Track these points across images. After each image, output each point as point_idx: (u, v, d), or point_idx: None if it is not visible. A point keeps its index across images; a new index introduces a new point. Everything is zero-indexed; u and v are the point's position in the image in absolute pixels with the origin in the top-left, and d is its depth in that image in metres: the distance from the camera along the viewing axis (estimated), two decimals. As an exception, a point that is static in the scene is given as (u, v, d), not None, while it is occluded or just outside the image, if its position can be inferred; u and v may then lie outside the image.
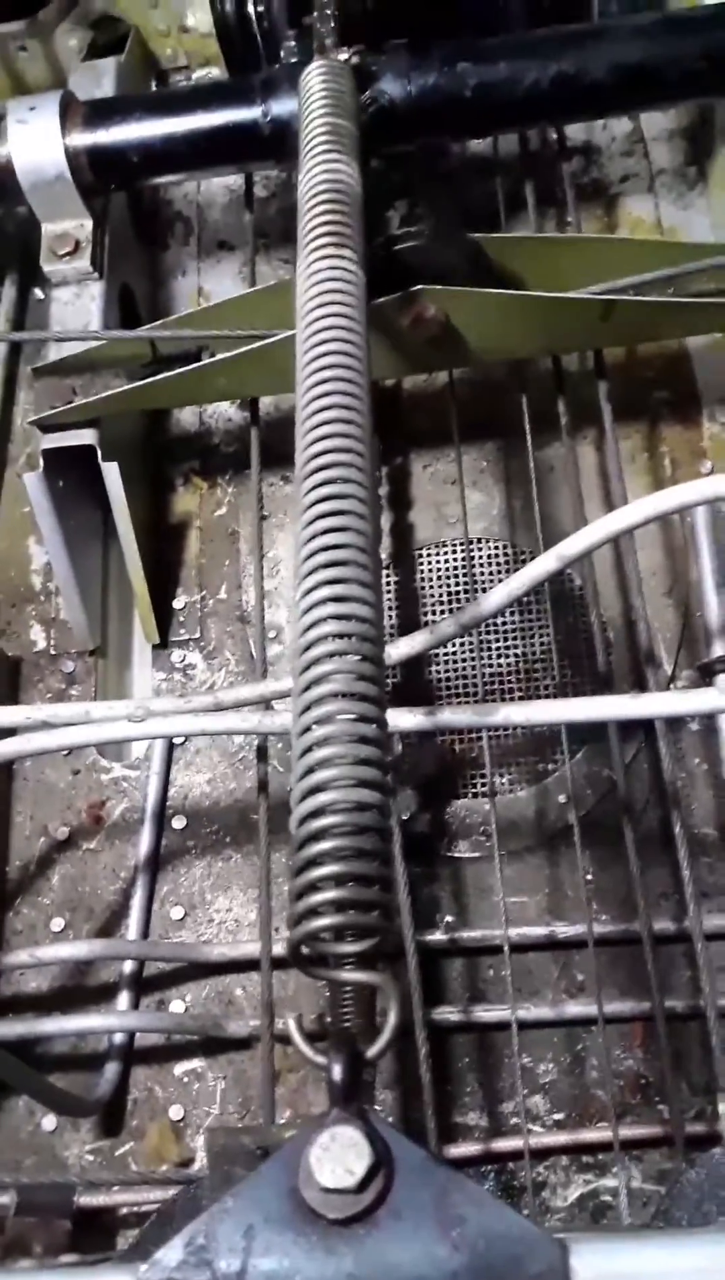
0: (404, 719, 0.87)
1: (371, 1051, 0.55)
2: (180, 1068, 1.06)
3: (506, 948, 0.96)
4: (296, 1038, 0.57)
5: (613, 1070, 0.98)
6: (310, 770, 0.60)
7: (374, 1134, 0.51)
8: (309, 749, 0.61)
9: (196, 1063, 1.06)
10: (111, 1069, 1.04)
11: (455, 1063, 1.02)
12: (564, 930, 1.03)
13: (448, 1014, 1.02)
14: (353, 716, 0.61)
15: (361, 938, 0.57)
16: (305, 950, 0.57)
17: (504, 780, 1.10)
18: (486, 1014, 1.02)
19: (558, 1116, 0.99)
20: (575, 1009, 1.01)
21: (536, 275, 1.11)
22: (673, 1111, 0.92)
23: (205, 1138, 0.94)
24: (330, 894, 0.56)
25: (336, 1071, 0.54)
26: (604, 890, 1.03)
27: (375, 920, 0.57)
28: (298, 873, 0.58)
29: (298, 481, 0.71)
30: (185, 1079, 1.05)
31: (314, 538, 0.69)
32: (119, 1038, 1.05)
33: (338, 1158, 0.51)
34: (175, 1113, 1.04)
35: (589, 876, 1.04)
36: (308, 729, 0.62)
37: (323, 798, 0.58)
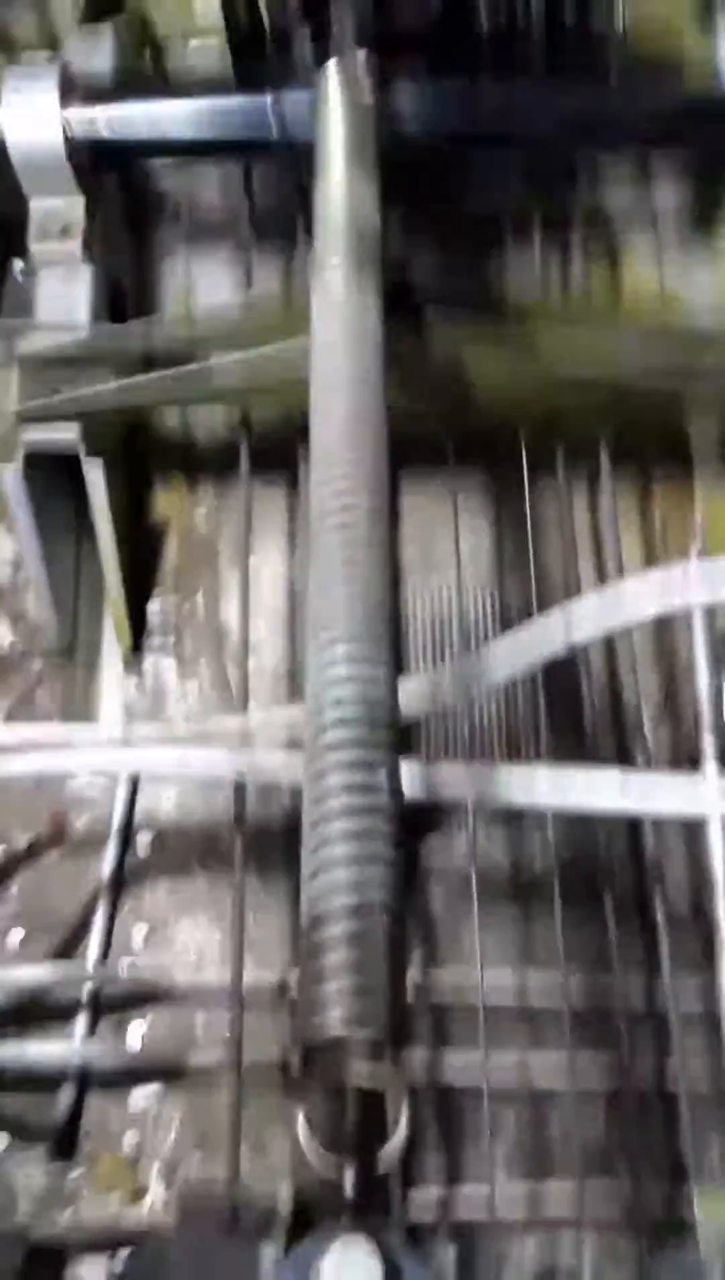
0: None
1: (382, 1163, 0.54)
2: (137, 1095, 1.04)
3: (481, 1012, 0.94)
4: (305, 1140, 0.56)
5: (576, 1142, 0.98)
6: (323, 845, 0.58)
7: (385, 1249, 0.50)
8: (322, 820, 0.59)
9: (153, 1091, 1.04)
10: (66, 1093, 1.02)
11: (417, 1126, 1.01)
12: (536, 995, 1.02)
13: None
14: (367, 786, 0.60)
15: (371, 1029, 0.56)
16: (317, 1043, 0.56)
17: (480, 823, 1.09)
18: (452, 1075, 1.00)
19: (517, 1188, 0.99)
20: (542, 1079, 0.99)
21: (546, 340, 1.08)
22: (637, 1190, 0.92)
23: (175, 1194, 0.93)
24: (340, 983, 0.55)
25: (349, 1182, 0.53)
26: (574, 950, 1.02)
27: (383, 1032, 0.55)
28: (309, 958, 0.56)
29: (315, 532, 0.69)
30: (141, 1106, 1.04)
31: (332, 594, 0.67)
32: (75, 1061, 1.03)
33: (349, 1273, 0.50)
34: (129, 1141, 1.02)
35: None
36: (321, 799, 0.60)
37: (336, 902, 0.56)
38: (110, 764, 0.88)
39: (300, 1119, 0.58)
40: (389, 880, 0.56)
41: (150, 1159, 1.02)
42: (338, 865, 0.57)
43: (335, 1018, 0.54)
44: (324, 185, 0.89)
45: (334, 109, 0.97)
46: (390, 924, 0.55)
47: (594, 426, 1.13)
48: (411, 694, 0.90)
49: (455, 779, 0.84)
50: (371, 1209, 0.51)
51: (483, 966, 0.97)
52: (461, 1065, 1.02)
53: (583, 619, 0.81)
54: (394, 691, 0.62)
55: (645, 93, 1.09)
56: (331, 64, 1.02)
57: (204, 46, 1.49)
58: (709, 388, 1.04)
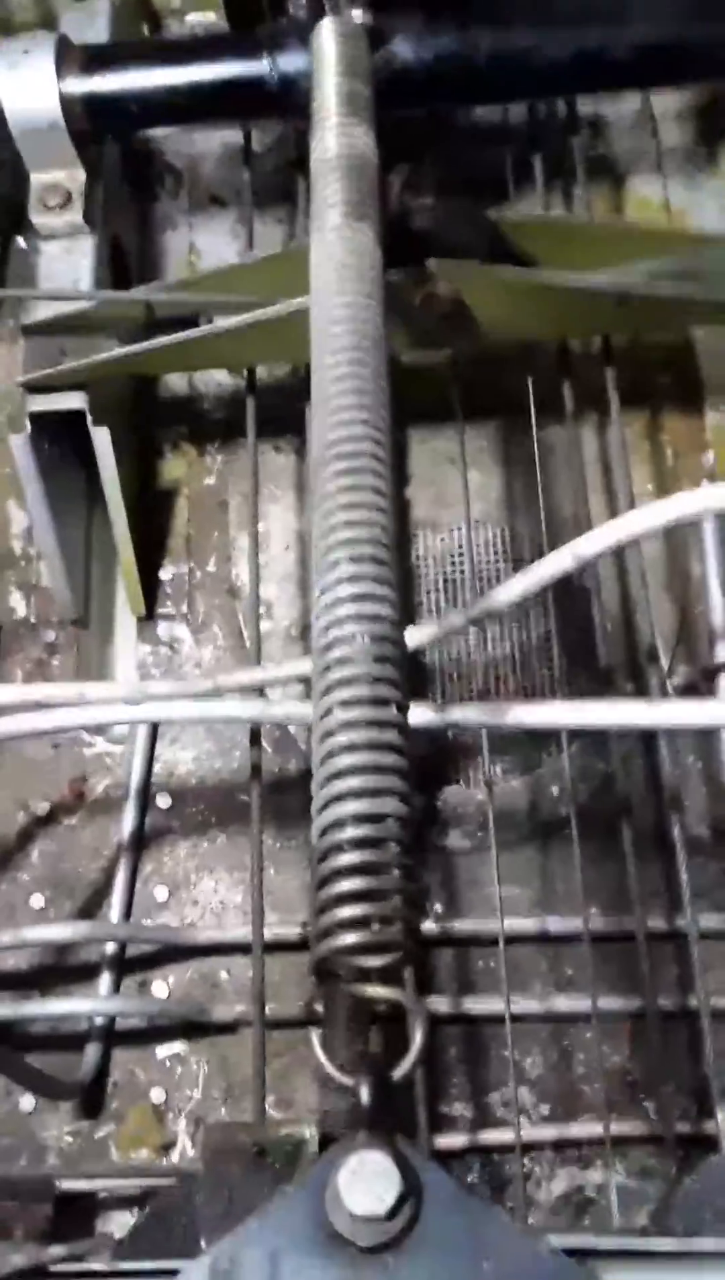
0: (413, 715, 0.85)
1: (397, 1073, 0.54)
2: (162, 1051, 1.05)
3: (501, 941, 0.95)
4: (321, 1056, 0.56)
5: (599, 1066, 0.99)
6: (332, 777, 0.58)
7: (403, 1160, 0.50)
8: (330, 755, 0.59)
9: (179, 1046, 1.05)
10: (92, 1050, 1.02)
11: (442, 1054, 1.02)
12: (556, 924, 1.03)
13: (436, 1004, 1.02)
14: (375, 721, 0.60)
15: (384, 953, 0.56)
16: (330, 966, 0.56)
17: (497, 769, 1.09)
18: (476, 1006, 1.01)
19: (544, 1110, 1.00)
20: (565, 1004, 1.01)
21: (550, 256, 1.08)
22: (663, 1111, 0.93)
23: (200, 1134, 0.94)
24: (352, 910, 0.55)
25: (364, 1094, 0.53)
26: (594, 885, 1.03)
27: (398, 936, 0.56)
28: (320, 886, 0.56)
29: (316, 470, 0.69)
30: (167, 1062, 1.04)
31: (334, 530, 0.67)
32: (100, 1019, 1.03)
33: (367, 1184, 0.50)
34: (156, 1096, 1.03)
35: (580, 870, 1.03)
36: (329, 734, 0.60)
37: (346, 808, 0.57)
38: (127, 715, 0.88)
39: (316, 1042, 0.58)
40: (399, 811, 0.56)
41: (177, 1113, 1.03)
42: (347, 797, 0.57)
43: (347, 944, 0.54)
44: (321, 134, 0.89)
45: (329, 62, 0.96)
46: (401, 854, 0.55)
47: (601, 349, 1.12)
48: (427, 636, 0.89)
49: (473, 714, 0.83)
50: (390, 1123, 0.51)
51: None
52: (484, 991, 1.03)
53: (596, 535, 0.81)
54: (400, 627, 0.62)
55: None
56: (326, 19, 1.02)
57: (201, 18, 1.50)
58: (715, 290, 1.03)
